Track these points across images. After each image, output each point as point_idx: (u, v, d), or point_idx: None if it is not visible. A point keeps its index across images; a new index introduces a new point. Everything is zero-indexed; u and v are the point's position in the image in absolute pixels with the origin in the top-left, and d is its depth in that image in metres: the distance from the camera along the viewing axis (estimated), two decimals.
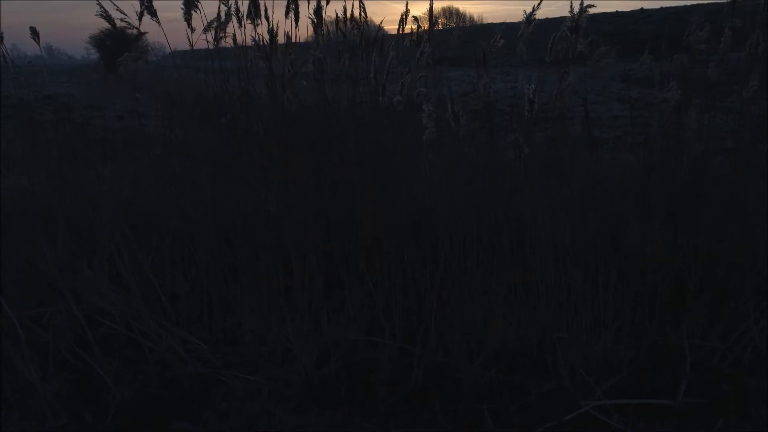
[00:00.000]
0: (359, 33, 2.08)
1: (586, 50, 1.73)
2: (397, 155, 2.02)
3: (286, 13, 1.88)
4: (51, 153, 3.80)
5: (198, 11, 1.60)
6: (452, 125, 1.31)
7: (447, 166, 1.87)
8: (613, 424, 1.30)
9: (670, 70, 2.12)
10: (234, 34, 1.88)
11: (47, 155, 3.71)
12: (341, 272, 1.72)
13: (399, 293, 1.65)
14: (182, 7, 1.53)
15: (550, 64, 1.68)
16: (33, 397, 1.41)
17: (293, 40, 1.96)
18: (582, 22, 1.73)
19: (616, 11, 18.09)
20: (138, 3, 1.63)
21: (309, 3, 1.90)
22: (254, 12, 1.66)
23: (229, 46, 1.91)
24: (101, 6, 1.67)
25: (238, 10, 1.89)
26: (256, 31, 1.89)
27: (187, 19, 1.55)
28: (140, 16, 1.55)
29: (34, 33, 2.00)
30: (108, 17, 1.57)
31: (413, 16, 2.13)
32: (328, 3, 1.92)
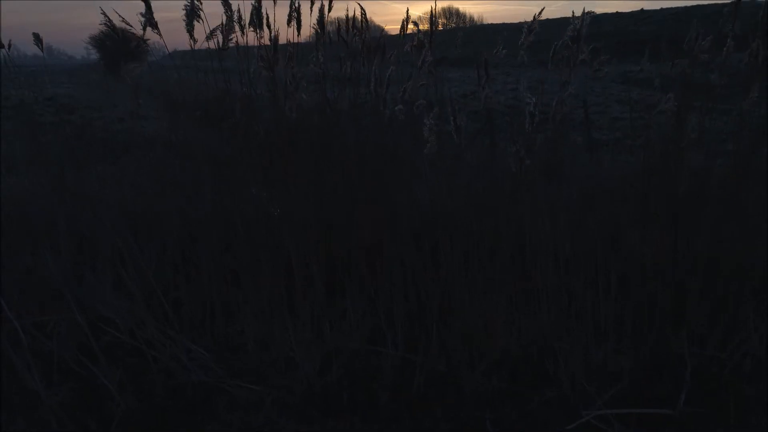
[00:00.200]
0: (361, 40, 2.09)
1: (587, 57, 1.74)
2: (397, 158, 2.03)
3: (288, 21, 1.89)
4: (52, 156, 3.81)
5: (200, 21, 1.61)
6: (454, 137, 1.32)
7: (447, 170, 1.88)
8: None
9: (671, 74, 2.13)
10: (236, 39, 1.89)
11: (48, 158, 3.72)
12: (343, 277, 1.73)
13: (400, 298, 1.66)
14: (184, 18, 1.54)
15: (551, 66, 1.70)
16: (38, 405, 1.42)
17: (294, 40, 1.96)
18: (584, 31, 1.74)
19: (617, 12, 18.13)
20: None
21: (312, 5, 1.92)
22: (257, 22, 1.67)
23: (232, 45, 1.92)
24: (105, 15, 1.68)
25: (240, 18, 1.90)
26: (258, 39, 1.90)
27: (190, 30, 1.56)
28: (144, 27, 1.55)
29: (38, 39, 2.01)
30: (112, 26, 1.58)
31: (413, 22, 2.14)
32: (330, 11, 1.93)
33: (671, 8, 17.79)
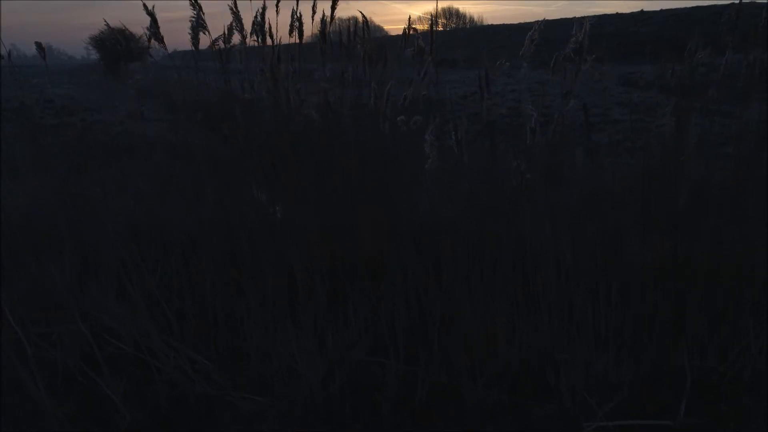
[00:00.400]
0: (363, 49, 2.11)
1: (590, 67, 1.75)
2: (398, 164, 2.04)
3: (291, 31, 1.91)
4: (53, 159, 3.82)
5: (206, 33, 1.62)
6: (455, 151, 1.33)
7: (448, 178, 1.89)
8: None
9: (671, 81, 2.13)
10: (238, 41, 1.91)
11: (50, 162, 3.73)
12: (345, 285, 1.74)
13: (402, 308, 1.67)
14: (190, 31, 1.55)
15: (552, 76, 1.70)
16: (42, 416, 1.43)
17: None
18: (585, 43, 1.75)
19: (617, 12, 18.14)
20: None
21: (314, 13, 1.93)
22: (260, 33, 1.68)
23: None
24: (109, 26, 1.69)
25: (242, 27, 1.92)
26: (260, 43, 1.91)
27: (195, 43, 1.57)
28: (149, 39, 1.56)
29: (40, 47, 2.03)
30: (114, 34, 1.59)
31: (414, 29, 2.15)
32: (332, 21, 1.94)
33: (671, 9, 17.82)
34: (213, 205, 2.25)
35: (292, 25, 1.79)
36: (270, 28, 1.80)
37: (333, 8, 1.85)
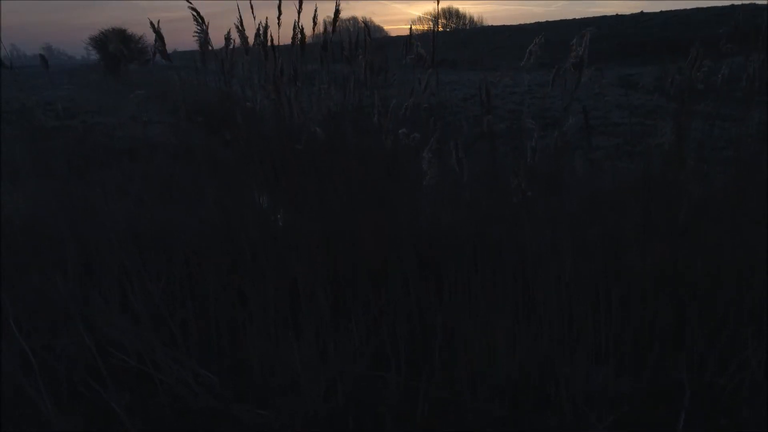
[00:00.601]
0: (364, 60, 2.12)
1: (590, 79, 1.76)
2: (399, 173, 2.05)
3: (292, 43, 1.92)
4: (54, 163, 3.83)
5: (210, 47, 1.63)
6: (455, 169, 1.34)
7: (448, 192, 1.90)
8: None
9: (671, 89, 2.14)
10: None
11: (51, 166, 3.74)
12: (347, 294, 1.76)
13: (403, 321, 1.68)
14: (199, 50, 1.56)
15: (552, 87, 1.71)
16: (47, 429, 1.44)
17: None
18: (585, 56, 1.76)
19: (617, 14, 18.14)
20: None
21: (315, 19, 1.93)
22: (264, 52, 1.69)
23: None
24: (115, 39, 1.70)
25: (246, 39, 1.93)
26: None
27: (201, 59, 1.58)
28: (153, 54, 1.57)
29: (43, 60, 2.04)
30: (123, 53, 1.60)
31: (416, 42, 2.16)
32: (334, 32, 1.95)
33: (671, 10, 17.83)
34: (215, 212, 2.26)
35: (293, 39, 1.80)
36: (272, 39, 1.81)
37: (335, 20, 1.86)
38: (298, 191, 2.04)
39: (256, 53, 1.93)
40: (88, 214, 2.34)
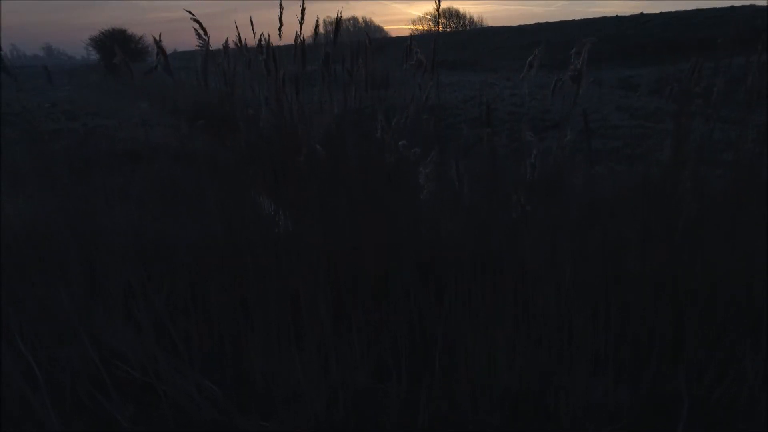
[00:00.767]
0: (365, 72, 2.13)
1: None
2: (400, 182, 2.07)
3: (294, 57, 1.93)
4: (55, 167, 3.84)
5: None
6: (455, 185, 1.36)
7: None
8: None
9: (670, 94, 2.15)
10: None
11: (52, 170, 3.75)
12: (348, 306, 1.77)
13: (404, 332, 1.69)
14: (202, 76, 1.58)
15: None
16: None
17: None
18: (584, 69, 1.78)
19: (617, 15, 18.14)
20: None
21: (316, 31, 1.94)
22: (268, 67, 1.71)
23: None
24: (119, 52, 1.72)
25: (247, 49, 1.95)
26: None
27: (205, 76, 1.60)
28: (155, 67, 1.59)
29: (47, 72, 2.05)
30: (126, 65, 1.62)
31: (416, 51, 2.17)
32: (335, 44, 1.97)
33: (671, 12, 17.83)
34: (217, 221, 2.28)
35: (295, 55, 1.82)
36: (274, 54, 1.83)
37: (336, 33, 1.88)
38: (299, 199, 2.06)
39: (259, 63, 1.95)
40: (91, 223, 2.35)
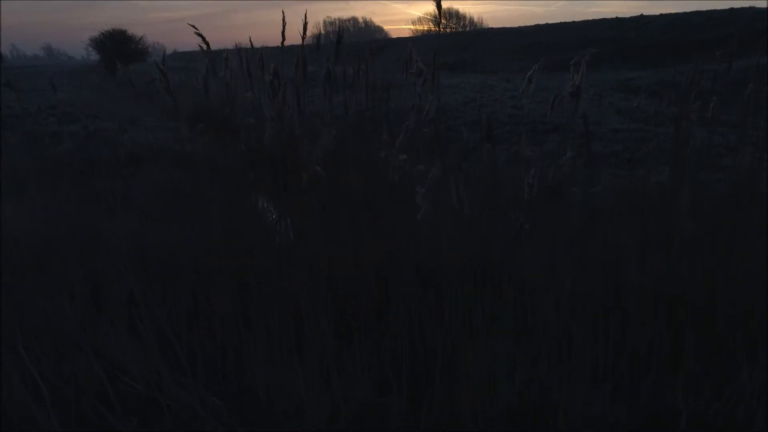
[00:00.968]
0: (366, 80, 2.15)
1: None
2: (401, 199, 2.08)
3: (296, 69, 1.95)
4: (59, 176, 3.85)
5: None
6: (456, 205, 1.37)
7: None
8: None
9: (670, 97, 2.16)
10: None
11: (53, 174, 3.75)
12: (349, 320, 1.79)
13: (405, 346, 1.71)
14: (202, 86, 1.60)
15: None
16: None
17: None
18: (583, 84, 1.79)
19: (616, 17, 18.12)
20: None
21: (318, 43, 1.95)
22: (272, 90, 1.73)
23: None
24: (121, 65, 1.73)
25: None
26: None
27: (206, 87, 1.62)
28: (157, 80, 1.61)
29: (52, 85, 2.06)
30: (131, 83, 1.63)
31: (417, 61, 2.18)
32: (337, 57, 1.98)
33: (670, 14, 17.81)
34: (218, 226, 2.29)
35: (297, 66, 1.83)
36: (276, 67, 1.84)
37: (337, 47, 1.89)
38: (301, 206, 2.07)
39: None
40: (93, 234, 2.36)
